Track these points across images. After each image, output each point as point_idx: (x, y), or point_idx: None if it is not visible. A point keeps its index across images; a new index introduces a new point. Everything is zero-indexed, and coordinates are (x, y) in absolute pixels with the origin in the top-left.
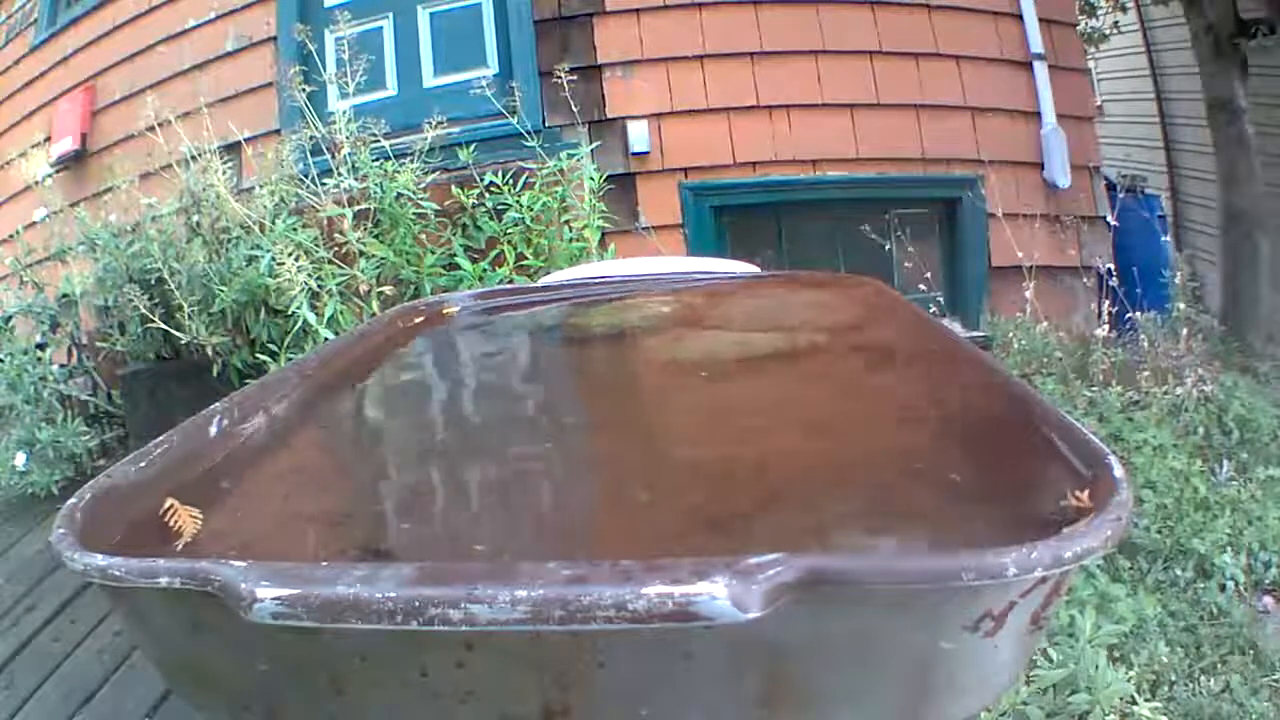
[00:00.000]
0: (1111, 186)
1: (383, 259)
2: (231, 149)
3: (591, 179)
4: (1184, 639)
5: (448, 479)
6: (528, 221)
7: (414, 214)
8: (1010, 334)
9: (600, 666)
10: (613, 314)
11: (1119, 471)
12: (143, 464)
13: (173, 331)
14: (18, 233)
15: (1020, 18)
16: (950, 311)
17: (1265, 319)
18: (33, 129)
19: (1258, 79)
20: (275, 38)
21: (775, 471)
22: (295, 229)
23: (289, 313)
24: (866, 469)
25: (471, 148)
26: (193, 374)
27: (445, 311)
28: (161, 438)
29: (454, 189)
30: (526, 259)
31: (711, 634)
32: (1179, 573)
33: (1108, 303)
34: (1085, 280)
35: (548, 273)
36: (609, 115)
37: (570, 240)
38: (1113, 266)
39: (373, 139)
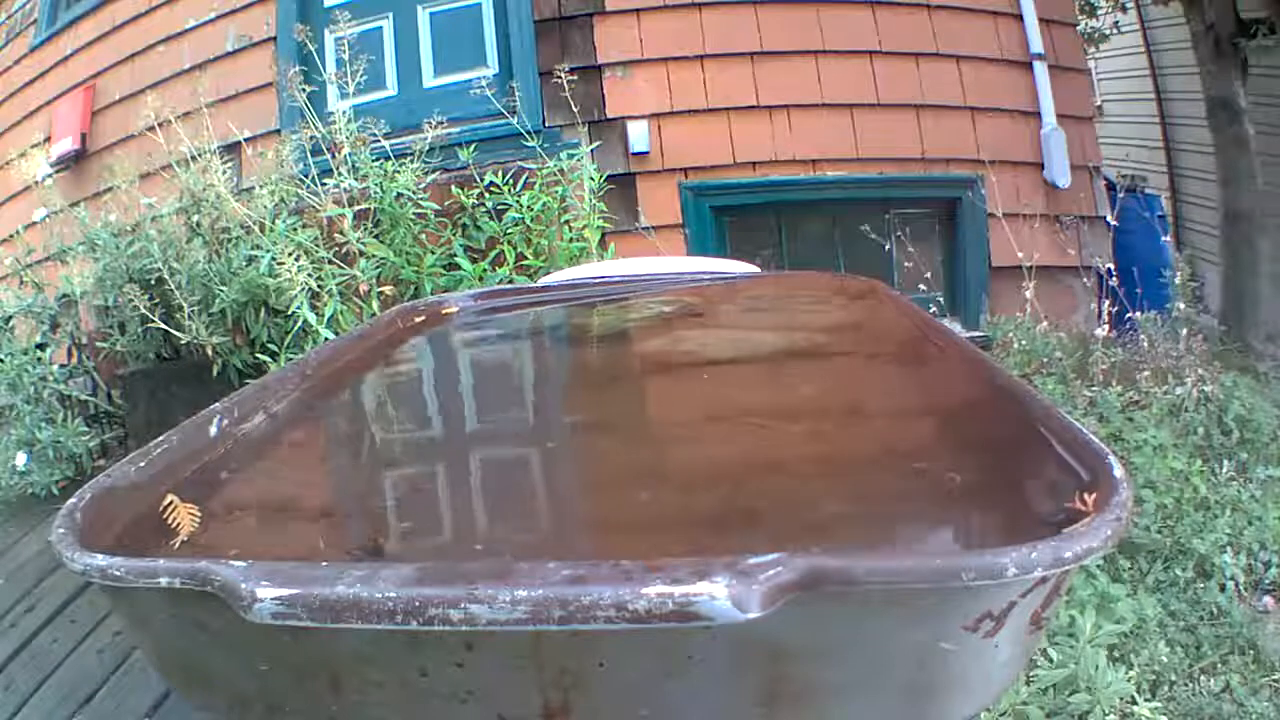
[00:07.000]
0: (1111, 186)
1: (383, 259)
2: (231, 149)
3: (591, 179)
4: (1184, 639)
5: (448, 479)
6: (528, 221)
7: (414, 214)
8: (1010, 334)
9: (600, 666)
10: (613, 314)
11: (1119, 471)
12: (142, 464)
13: (173, 331)
14: (18, 233)
15: (1020, 18)
16: (950, 311)
17: (1265, 319)
18: (33, 129)
19: (1258, 79)
20: (275, 38)
21: (775, 471)
22: (295, 229)
23: (289, 313)
24: (867, 469)
25: (471, 148)
26: (193, 374)
27: (445, 312)
28: (161, 438)
29: (454, 189)
30: (526, 259)
31: (711, 634)
32: (1179, 573)
33: (1108, 303)
34: (1085, 280)
35: (548, 273)
36: (609, 115)
37: (570, 240)
38: (1113, 266)
39: (372, 139)
